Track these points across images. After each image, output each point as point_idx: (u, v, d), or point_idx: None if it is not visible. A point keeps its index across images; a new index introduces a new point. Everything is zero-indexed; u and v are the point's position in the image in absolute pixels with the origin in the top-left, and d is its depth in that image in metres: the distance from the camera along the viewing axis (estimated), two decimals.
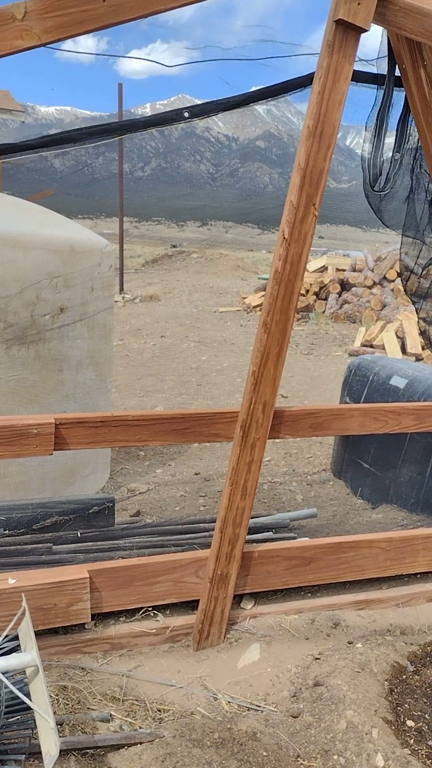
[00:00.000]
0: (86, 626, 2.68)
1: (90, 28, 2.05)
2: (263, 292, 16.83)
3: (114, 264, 4.11)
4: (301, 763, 2.11)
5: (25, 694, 2.08)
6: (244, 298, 17.41)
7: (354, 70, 2.50)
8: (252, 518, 3.53)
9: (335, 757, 2.13)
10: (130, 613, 2.78)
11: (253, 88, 2.87)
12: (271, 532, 3.36)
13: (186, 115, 2.33)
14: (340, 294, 15.10)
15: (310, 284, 15.38)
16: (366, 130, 2.67)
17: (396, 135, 2.74)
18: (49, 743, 1.80)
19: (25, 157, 2.60)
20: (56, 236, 3.55)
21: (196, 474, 4.70)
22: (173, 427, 2.68)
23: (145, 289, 20.72)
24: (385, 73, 2.68)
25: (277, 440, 5.34)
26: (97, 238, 3.99)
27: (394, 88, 2.68)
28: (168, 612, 2.84)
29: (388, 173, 2.69)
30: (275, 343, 2.64)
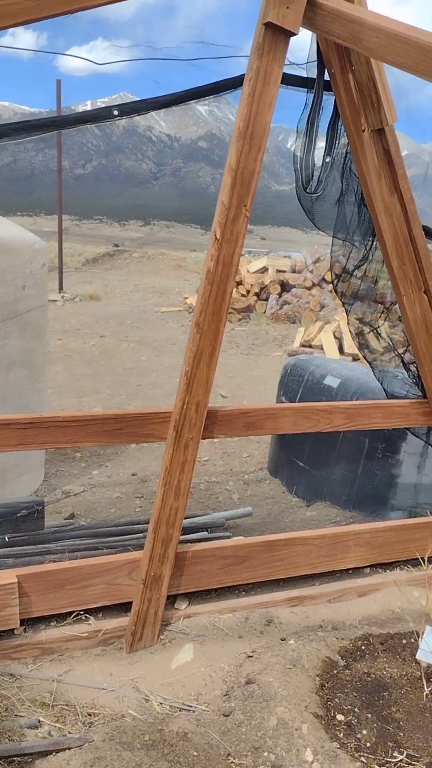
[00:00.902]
0: (15, 632, 2.62)
1: (18, 21, 2.01)
2: None
3: (47, 262, 4.04)
4: (232, 762, 2.11)
5: None
6: (186, 298, 17.40)
7: (284, 74, 2.53)
8: (187, 518, 3.52)
9: (265, 753, 2.15)
10: (61, 617, 2.74)
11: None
12: (206, 532, 3.37)
13: (115, 113, 2.31)
14: (280, 295, 15.27)
15: (251, 285, 15.51)
16: (297, 132, 2.70)
17: (326, 138, 2.78)
18: None
19: None
20: None
21: (133, 475, 4.67)
22: (106, 428, 2.65)
23: (85, 288, 20.46)
24: (315, 77, 2.71)
25: (214, 440, 5.36)
26: (29, 235, 3.91)
27: (324, 92, 2.72)
28: (101, 615, 2.81)
29: (319, 176, 2.73)
30: (208, 344, 2.64)
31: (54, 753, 2.07)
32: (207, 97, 2.42)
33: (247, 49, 2.45)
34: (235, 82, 2.52)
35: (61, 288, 18.49)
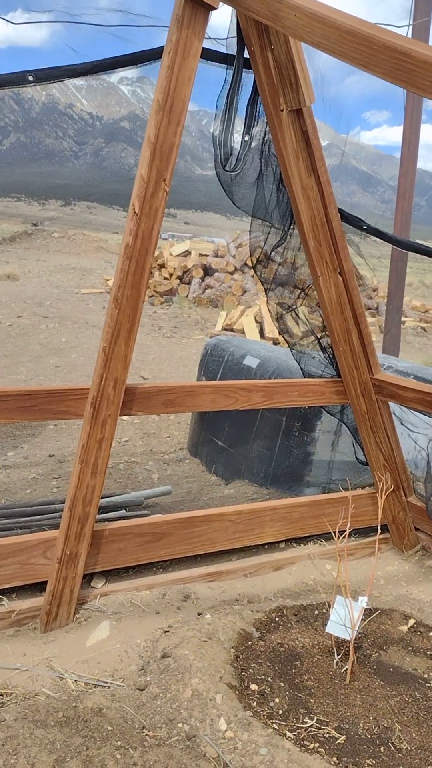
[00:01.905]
0: None
1: None
2: None
3: None
4: (147, 734, 2.13)
5: None
6: (108, 279, 17.16)
7: (204, 48, 2.52)
8: (105, 497, 3.50)
9: (180, 725, 2.17)
10: None
11: None
12: (124, 511, 3.35)
13: (30, 78, 2.23)
14: (202, 279, 15.29)
15: (174, 268, 15.45)
16: (217, 109, 2.69)
17: (245, 117, 2.79)
18: None
19: None
20: None
21: (51, 456, 4.58)
22: (19, 404, 2.58)
23: (1, 267, 19.83)
24: (235, 53, 2.71)
25: (135, 420, 5.33)
26: None
27: (244, 70, 2.72)
28: (14, 595, 2.76)
29: (238, 154, 2.73)
30: (126, 319, 2.62)
31: None
32: (127, 68, 2.37)
33: (169, 21, 2.42)
34: (155, 54, 2.48)
35: None
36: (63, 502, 3.28)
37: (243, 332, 11.19)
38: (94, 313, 12.66)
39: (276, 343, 10.80)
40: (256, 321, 11.61)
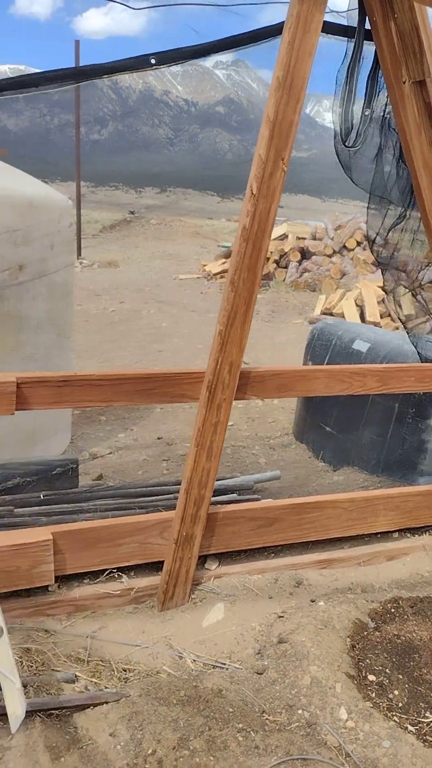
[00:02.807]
0: (50, 588, 2.65)
1: None
2: (224, 260, 16.73)
3: (73, 222, 3.98)
4: (267, 718, 2.13)
5: None
6: (205, 265, 17.26)
7: (324, 21, 2.43)
8: (216, 480, 3.52)
9: (300, 711, 2.16)
10: (94, 575, 2.76)
11: None
12: (235, 494, 3.36)
13: (153, 61, 2.23)
14: (300, 262, 15.09)
15: (271, 252, 15.32)
16: (337, 83, 2.60)
17: (366, 90, 2.69)
18: (15, 704, 1.77)
19: None
20: (15, 191, 3.41)
21: (159, 438, 4.66)
22: (138, 387, 2.63)
23: (103, 255, 20.34)
24: (356, 25, 2.61)
25: (239, 405, 5.34)
26: (57, 194, 3.85)
27: (364, 41, 2.62)
28: (132, 573, 2.82)
29: (358, 129, 2.64)
30: (242, 302, 2.60)
31: (91, 707, 2.09)
32: (246, 47, 2.33)
33: None
34: (274, 30, 2.42)
35: (79, 254, 18.42)
36: (175, 484, 3.33)
37: (342, 316, 10.96)
38: (192, 299, 12.78)
39: (377, 326, 10.51)
40: (357, 305, 11.34)
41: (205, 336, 8.87)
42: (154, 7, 2.33)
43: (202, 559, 2.95)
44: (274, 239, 15.99)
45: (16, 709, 1.76)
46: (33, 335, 3.63)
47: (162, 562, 2.77)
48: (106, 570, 2.76)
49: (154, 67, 2.24)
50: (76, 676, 2.24)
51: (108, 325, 9.71)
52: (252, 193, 2.47)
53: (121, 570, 2.78)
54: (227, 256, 17.36)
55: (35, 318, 3.59)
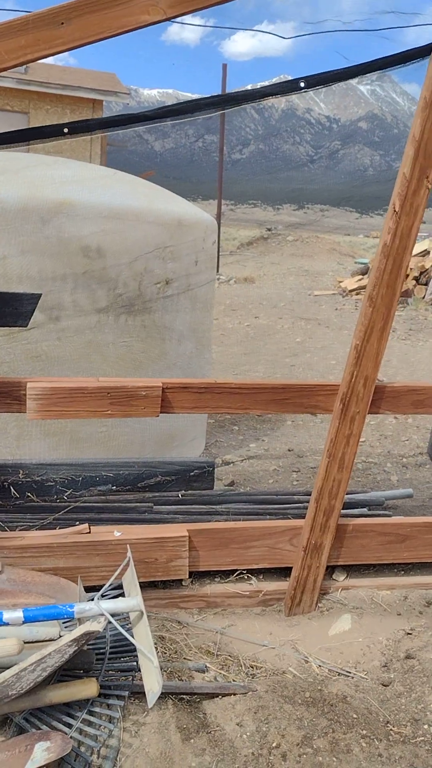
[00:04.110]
0: (183, 583, 2.80)
1: (212, 1, 2.11)
2: (360, 276, 16.53)
3: (216, 240, 4.18)
4: (391, 729, 2.13)
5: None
6: (340, 281, 17.16)
7: None
8: (347, 494, 3.54)
9: (425, 726, 2.14)
10: (224, 575, 2.88)
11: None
12: (365, 509, 3.37)
13: (302, 84, 2.34)
14: None
15: (411, 268, 14.95)
16: None
17: None
18: (152, 681, 1.92)
19: (129, 138, 2.69)
20: (165, 210, 3.65)
21: (289, 450, 4.74)
22: (274, 396, 2.73)
23: (239, 271, 20.79)
24: None
25: (372, 422, 5.30)
26: (203, 213, 4.07)
27: None
28: (261, 577, 2.92)
29: None
30: (380, 317, 2.64)
31: (220, 696, 2.20)
32: (395, 67, 2.39)
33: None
34: (424, 51, 2.46)
35: (217, 270, 18.93)
36: (305, 494, 3.39)
37: None
38: (327, 315, 12.75)
39: None
40: None
41: (338, 352, 8.84)
42: (304, 35, 2.45)
43: (330, 570, 2.99)
44: (415, 255, 15.60)
45: (153, 686, 1.90)
46: (176, 345, 3.85)
47: (290, 569, 2.84)
48: (236, 571, 2.87)
49: (303, 90, 2.35)
50: (206, 666, 2.36)
51: (243, 339, 9.94)
52: (394, 211, 2.52)
53: (251, 572, 2.89)
54: (364, 272, 17.14)
55: (178, 329, 3.80)
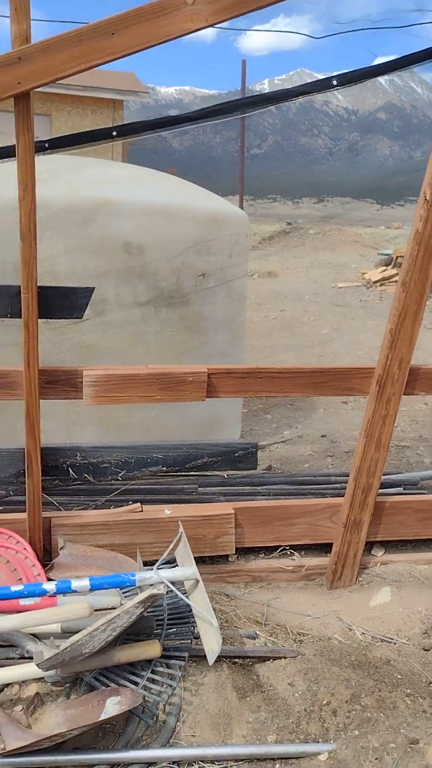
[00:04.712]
0: (230, 558, 2.95)
1: (250, 8, 2.24)
2: (384, 267, 16.53)
3: (248, 234, 4.32)
4: None
5: (184, 605, 2.38)
6: (364, 273, 17.17)
7: None
8: (383, 475, 3.66)
9: None
10: (268, 551, 3.03)
11: (393, 57, 2.93)
12: (401, 488, 3.48)
13: (334, 83, 2.47)
14: None
15: None
16: None
17: None
18: (212, 641, 2.07)
19: (147, 137, 2.83)
20: (201, 207, 3.80)
21: (323, 436, 4.87)
22: (312, 380, 2.86)
23: (262, 265, 20.87)
24: None
25: (402, 408, 5.39)
26: (236, 209, 4.21)
27: None
28: (303, 553, 3.06)
29: None
30: (413, 302, 2.75)
31: (271, 660, 2.35)
32: (422, 63, 2.50)
33: None
34: None
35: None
36: (341, 476, 3.52)
37: None
38: (351, 307, 12.81)
39: None
40: None
41: (364, 343, 8.92)
42: (336, 34, 2.57)
43: (369, 546, 3.12)
44: None
45: (213, 645, 2.06)
46: (212, 335, 4.00)
47: (330, 545, 2.98)
48: (279, 547, 3.02)
49: (335, 88, 2.48)
50: (256, 633, 2.51)
51: (269, 331, 10.07)
52: (426, 199, 2.63)
53: (293, 548, 3.03)
54: (387, 263, 17.14)
55: (215, 320, 3.95)
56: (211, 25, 2.23)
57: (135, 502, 2.89)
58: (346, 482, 2.95)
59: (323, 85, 2.59)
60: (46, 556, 2.71)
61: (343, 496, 2.97)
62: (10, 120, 2.26)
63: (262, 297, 13.88)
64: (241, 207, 19.48)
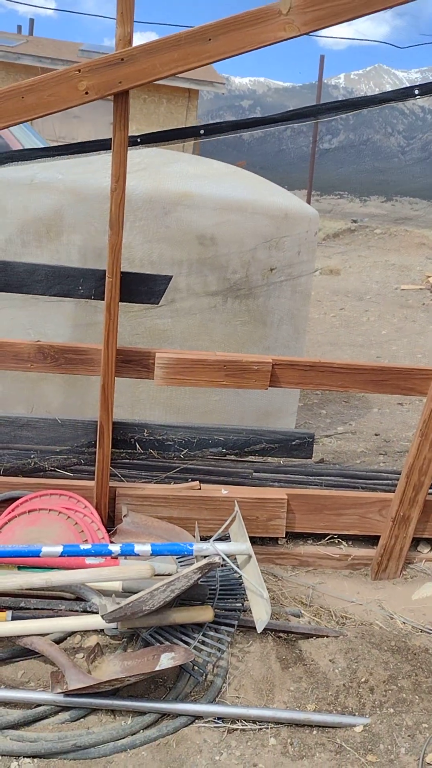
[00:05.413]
0: (279, 541, 3.10)
1: (342, 19, 2.36)
2: None
3: (317, 231, 4.42)
4: None
5: (235, 580, 2.54)
6: (429, 276, 16.94)
7: None
8: None
9: None
10: (316, 538, 3.16)
11: None
12: None
13: (416, 92, 2.55)
14: None
15: None
16: None
17: None
18: (261, 612, 2.23)
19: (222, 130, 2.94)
20: (274, 203, 3.93)
21: (376, 435, 4.95)
22: (372, 377, 2.97)
23: (325, 262, 20.77)
24: None
25: None
26: (307, 206, 4.32)
27: None
28: (350, 543, 3.17)
29: None
30: None
31: (314, 637, 2.49)
32: None
33: None
34: None
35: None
36: (392, 473, 3.61)
37: None
38: (413, 309, 12.70)
39: None
40: None
41: (425, 346, 8.89)
42: (420, 45, 2.65)
43: (415, 542, 3.21)
44: None
45: (262, 615, 2.21)
46: (275, 330, 4.13)
47: (377, 537, 3.09)
48: (327, 535, 3.14)
49: (417, 96, 2.56)
50: (301, 612, 2.65)
51: (328, 329, 10.11)
52: None
53: (341, 537, 3.15)
54: None
55: (279, 314, 4.08)
56: (303, 34, 2.35)
57: (194, 480, 3.06)
58: (397, 479, 3.05)
59: (405, 94, 2.68)
60: (110, 523, 2.91)
61: (393, 492, 3.07)
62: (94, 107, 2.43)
63: (323, 294, 13.89)
64: (308, 202, 19.43)
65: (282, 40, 2.34)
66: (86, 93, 2.36)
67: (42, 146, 7.93)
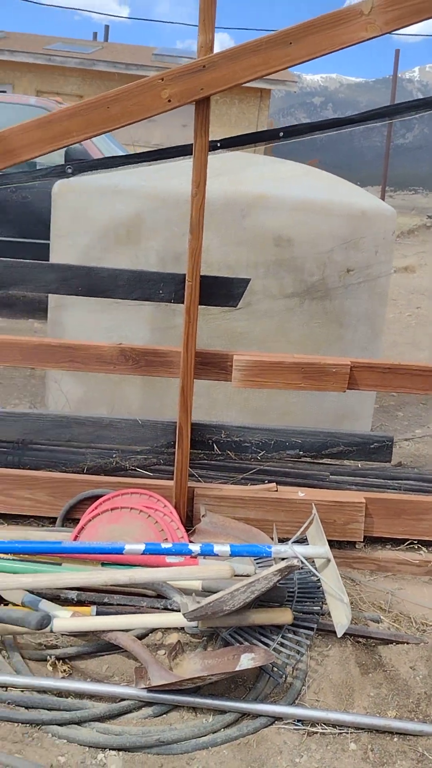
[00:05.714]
0: (356, 546, 3.07)
1: (424, 16, 2.32)
2: None
3: (395, 230, 4.35)
4: None
5: (313, 583, 2.54)
6: None
7: None
8: None
9: None
10: (395, 543, 3.11)
11: None
12: None
13: None
14: None
15: None
16: None
17: None
18: (341, 616, 2.22)
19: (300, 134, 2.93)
20: (350, 203, 3.89)
21: None
22: None
23: (399, 260, 20.26)
24: None
25: None
26: (384, 204, 4.25)
27: None
28: (430, 549, 3.11)
29: None
30: None
31: (394, 643, 2.46)
32: None
33: None
34: None
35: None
36: None
37: None
38: None
39: None
40: None
41: None
42: None
43: None
44: None
45: (342, 619, 2.20)
46: (351, 330, 4.09)
47: None
48: (407, 540, 3.09)
49: None
50: (380, 617, 2.62)
51: (404, 329, 9.89)
52: None
53: (421, 543, 3.09)
54: None
55: (356, 315, 4.03)
56: (384, 34, 2.32)
57: (270, 482, 3.07)
58: None
59: None
60: (188, 522, 2.96)
61: None
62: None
63: (398, 293, 13.57)
64: (383, 199, 19.08)
65: (363, 41, 2.32)
66: (169, 101, 2.41)
67: (120, 152, 8.14)
